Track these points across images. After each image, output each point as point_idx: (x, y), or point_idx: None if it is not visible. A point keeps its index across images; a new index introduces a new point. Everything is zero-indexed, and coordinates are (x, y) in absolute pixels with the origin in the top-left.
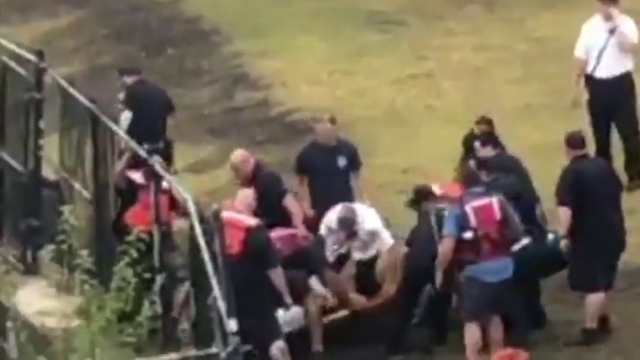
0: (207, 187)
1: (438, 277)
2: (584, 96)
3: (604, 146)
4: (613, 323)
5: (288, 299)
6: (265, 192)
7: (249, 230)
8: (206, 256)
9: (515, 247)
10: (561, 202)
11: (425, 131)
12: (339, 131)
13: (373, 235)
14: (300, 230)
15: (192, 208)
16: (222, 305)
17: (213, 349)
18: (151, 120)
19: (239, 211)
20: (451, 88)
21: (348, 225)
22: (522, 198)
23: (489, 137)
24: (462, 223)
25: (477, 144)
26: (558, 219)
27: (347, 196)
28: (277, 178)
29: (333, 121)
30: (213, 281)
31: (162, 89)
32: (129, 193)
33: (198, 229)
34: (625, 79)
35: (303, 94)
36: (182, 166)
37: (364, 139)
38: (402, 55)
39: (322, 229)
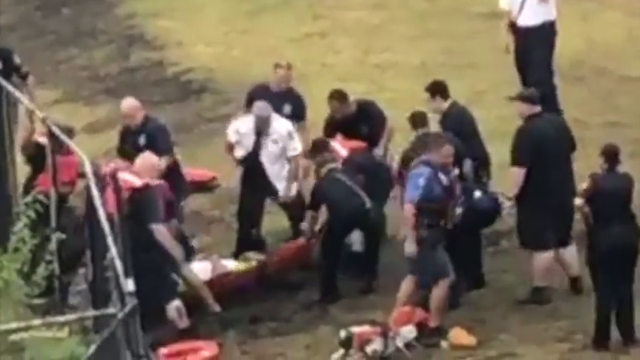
0: (104, 148)
1: None
2: (512, 42)
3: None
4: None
5: (177, 254)
6: (153, 140)
7: (134, 190)
8: (102, 215)
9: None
10: (517, 163)
11: (321, 90)
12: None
13: (289, 135)
14: None
15: (88, 169)
16: (118, 265)
17: (111, 310)
18: None
19: (135, 172)
20: (347, 46)
21: (262, 124)
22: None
23: (438, 87)
24: None
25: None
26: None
27: None
28: (167, 132)
29: (289, 67)
30: (110, 241)
31: None
32: (40, 159)
33: (94, 190)
34: (543, 29)
35: (199, 54)
36: (79, 126)
37: None
38: (297, 14)
39: (231, 135)
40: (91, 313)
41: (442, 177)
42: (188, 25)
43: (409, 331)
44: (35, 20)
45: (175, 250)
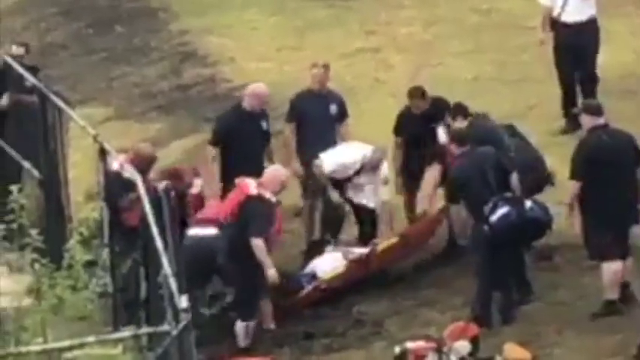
0: (157, 165)
1: None
2: (550, 38)
3: (569, 89)
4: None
5: (269, 270)
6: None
7: (247, 196)
8: (155, 233)
9: (494, 217)
10: (572, 176)
11: (373, 105)
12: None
13: (384, 180)
14: None
15: (140, 187)
16: (172, 282)
17: (165, 327)
18: None
19: (263, 186)
20: (399, 62)
21: (374, 165)
22: (499, 167)
23: (458, 109)
24: None
25: (448, 117)
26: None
27: (336, 144)
28: None
29: (327, 67)
30: (164, 258)
31: None
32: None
33: (148, 207)
34: (589, 24)
35: (251, 70)
36: (131, 144)
37: None
38: (349, 29)
39: (331, 166)
40: (145, 330)
41: None
42: (240, 42)
43: (463, 347)
44: (87, 37)
45: (268, 269)
